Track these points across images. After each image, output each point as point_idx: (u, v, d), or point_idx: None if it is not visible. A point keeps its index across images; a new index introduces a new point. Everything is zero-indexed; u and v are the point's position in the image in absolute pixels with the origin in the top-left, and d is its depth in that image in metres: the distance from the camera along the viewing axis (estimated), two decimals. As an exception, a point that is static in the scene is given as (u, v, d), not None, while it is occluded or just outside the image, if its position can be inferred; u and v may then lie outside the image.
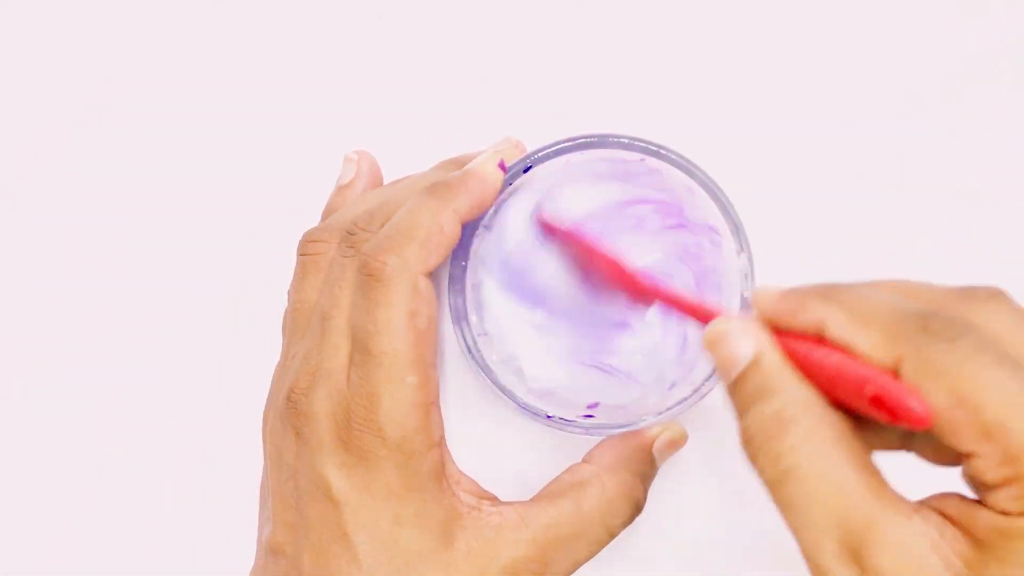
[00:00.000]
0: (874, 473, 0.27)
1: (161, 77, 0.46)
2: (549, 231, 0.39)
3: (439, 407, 0.37)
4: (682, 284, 0.39)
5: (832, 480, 0.26)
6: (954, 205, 0.44)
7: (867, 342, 0.26)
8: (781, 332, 0.28)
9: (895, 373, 0.26)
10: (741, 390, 0.28)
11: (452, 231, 0.37)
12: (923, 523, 0.26)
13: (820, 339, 0.28)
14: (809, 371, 0.28)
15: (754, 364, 0.28)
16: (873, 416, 0.26)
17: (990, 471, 0.25)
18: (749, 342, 0.28)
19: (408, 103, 0.45)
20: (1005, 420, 0.25)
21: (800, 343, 0.28)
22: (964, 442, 0.25)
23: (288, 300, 0.41)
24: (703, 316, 0.32)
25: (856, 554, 0.26)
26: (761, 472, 0.27)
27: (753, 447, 0.27)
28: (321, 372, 0.37)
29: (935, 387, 0.25)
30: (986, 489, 0.26)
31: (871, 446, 0.28)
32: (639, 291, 0.37)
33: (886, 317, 0.26)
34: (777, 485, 0.27)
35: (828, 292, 0.28)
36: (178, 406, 0.45)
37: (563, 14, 0.45)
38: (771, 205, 0.43)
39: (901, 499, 0.27)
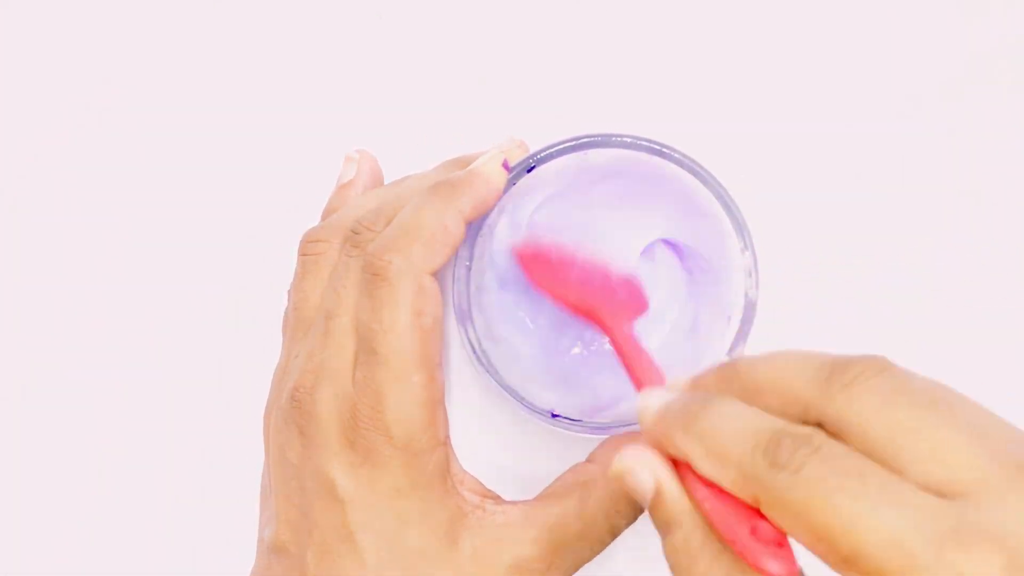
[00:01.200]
0: None
1: (161, 77, 0.46)
2: (521, 259, 0.39)
3: (444, 406, 0.37)
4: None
5: None
6: (954, 205, 0.44)
7: (727, 480, 0.27)
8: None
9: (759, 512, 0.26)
10: (654, 519, 0.29)
11: (457, 231, 0.37)
12: None
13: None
14: (695, 498, 0.28)
15: (656, 497, 0.29)
16: None
17: None
18: (648, 476, 0.29)
19: (409, 103, 0.45)
20: (858, 549, 0.24)
21: (692, 473, 0.28)
22: (835, 570, 0.25)
23: (289, 300, 0.41)
24: (638, 381, 0.33)
25: None
26: None
27: (673, 572, 0.28)
28: (326, 371, 0.36)
29: (793, 526, 0.25)
30: None
31: None
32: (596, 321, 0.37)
33: (739, 451, 0.27)
34: None
35: (687, 420, 0.28)
36: (178, 406, 0.45)
37: (565, 13, 0.45)
38: (774, 204, 0.43)
39: None
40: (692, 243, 0.40)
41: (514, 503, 0.37)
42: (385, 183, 0.44)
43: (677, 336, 0.40)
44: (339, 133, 0.45)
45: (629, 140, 0.39)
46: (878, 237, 0.44)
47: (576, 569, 0.37)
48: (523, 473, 0.43)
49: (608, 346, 0.39)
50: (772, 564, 0.26)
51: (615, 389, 0.40)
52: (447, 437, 0.37)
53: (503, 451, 0.43)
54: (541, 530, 0.36)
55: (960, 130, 0.44)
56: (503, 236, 0.39)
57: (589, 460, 0.39)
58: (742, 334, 0.39)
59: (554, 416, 0.39)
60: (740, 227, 0.39)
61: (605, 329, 0.36)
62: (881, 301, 0.44)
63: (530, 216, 0.39)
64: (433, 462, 0.36)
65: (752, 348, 0.38)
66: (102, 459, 0.45)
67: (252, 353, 0.44)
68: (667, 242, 0.40)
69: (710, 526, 0.28)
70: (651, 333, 0.39)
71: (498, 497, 0.38)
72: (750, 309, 0.39)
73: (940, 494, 0.25)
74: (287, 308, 0.41)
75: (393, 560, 0.35)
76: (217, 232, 0.45)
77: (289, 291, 0.41)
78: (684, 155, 0.39)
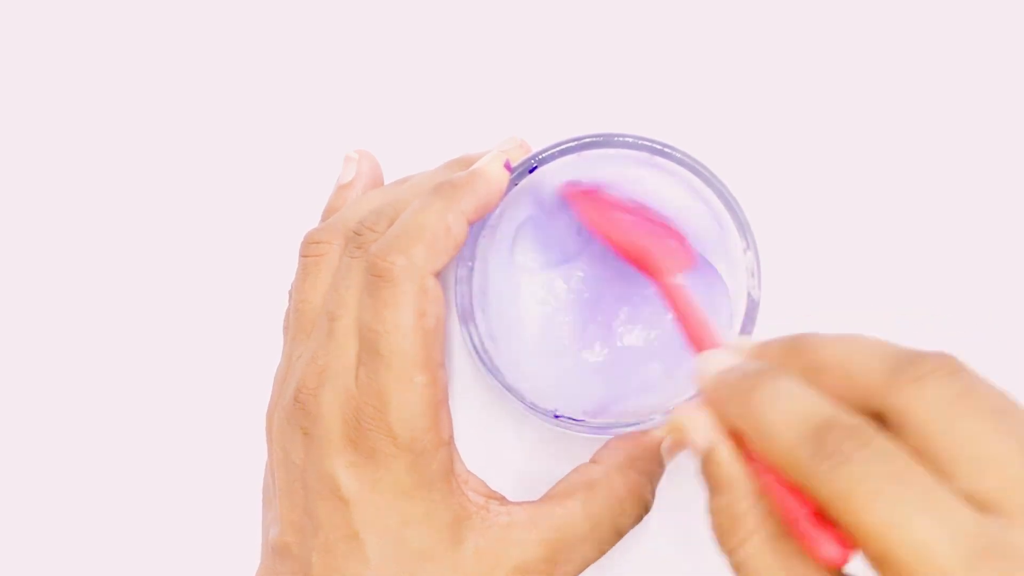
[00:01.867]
0: None
1: (161, 77, 0.46)
2: (572, 197, 0.38)
3: (448, 407, 0.37)
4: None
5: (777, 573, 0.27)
6: (957, 205, 0.44)
7: (775, 460, 0.27)
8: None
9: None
10: (704, 478, 0.29)
11: (459, 231, 0.37)
12: None
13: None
14: (754, 470, 0.28)
15: (708, 457, 0.29)
16: None
17: None
18: (703, 434, 0.29)
19: (409, 103, 0.45)
20: (887, 554, 0.24)
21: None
22: (873, 566, 0.25)
23: (290, 300, 0.41)
24: (693, 335, 0.33)
25: None
26: (726, 558, 0.28)
27: (715, 535, 0.28)
28: (329, 372, 0.36)
29: (835, 516, 0.25)
30: None
31: None
32: (652, 271, 0.36)
33: (787, 434, 0.26)
34: (736, 573, 0.28)
35: (742, 394, 0.28)
36: (178, 407, 0.45)
37: (567, 13, 0.45)
38: (776, 203, 0.43)
39: None
40: (694, 242, 0.40)
41: (518, 504, 0.37)
42: (385, 183, 0.44)
43: (677, 337, 0.40)
44: (339, 133, 0.45)
45: (631, 140, 0.39)
46: (881, 237, 0.44)
47: (581, 570, 0.37)
48: (526, 473, 0.43)
49: (619, 343, 0.39)
50: (828, 548, 0.25)
51: (617, 389, 0.40)
52: (451, 437, 0.37)
53: (506, 451, 0.43)
54: (546, 531, 0.36)
55: (963, 130, 0.44)
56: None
57: (593, 461, 0.39)
58: (745, 334, 0.39)
59: (557, 416, 0.39)
60: (743, 227, 0.39)
61: (656, 275, 0.35)
62: (883, 301, 0.44)
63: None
64: (437, 462, 0.36)
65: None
66: (103, 460, 0.45)
67: (252, 354, 0.44)
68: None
69: (765, 498, 0.27)
70: (650, 334, 0.40)
71: (502, 498, 0.38)
72: (753, 308, 0.39)
73: (983, 507, 0.24)
74: (288, 309, 0.41)
75: (397, 560, 0.35)
76: (217, 232, 0.45)
77: (290, 292, 0.41)
78: (686, 155, 0.39)
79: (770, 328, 0.39)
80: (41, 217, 0.46)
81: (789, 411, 0.27)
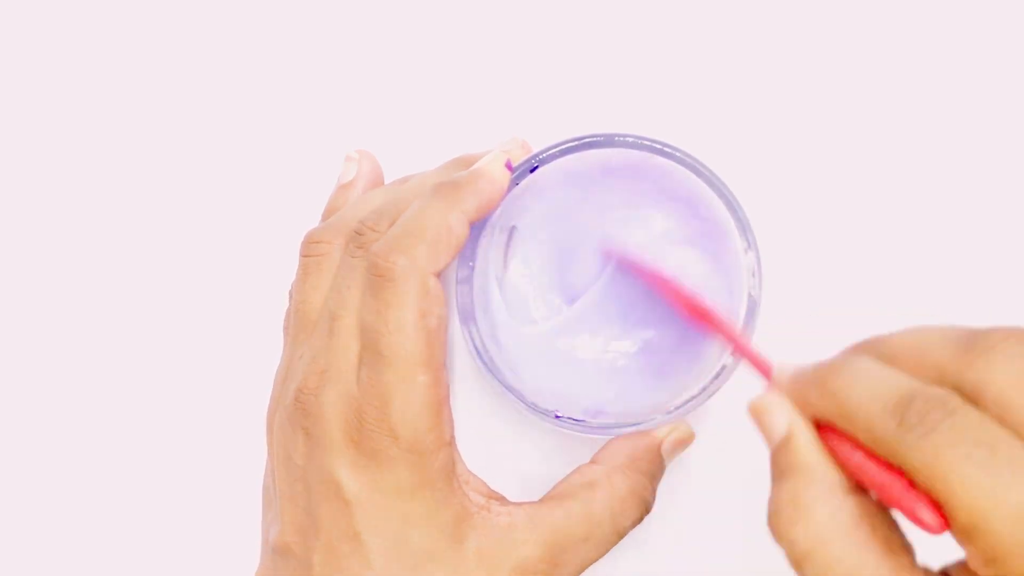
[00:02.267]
0: (899, 552, 0.26)
1: (161, 77, 0.46)
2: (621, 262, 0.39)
3: (449, 407, 0.37)
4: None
5: (848, 565, 0.26)
6: (958, 206, 0.44)
7: (866, 439, 0.26)
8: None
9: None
10: (775, 463, 0.28)
11: (461, 231, 0.37)
12: None
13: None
14: (839, 456, 0.28)
15: (785, 442, 0.28)
16: None
17: (979, 569, 0.25)
18: (783, 419, 0.28)
19: (409, 102, 0.45)
20: (979, 522, 0.24)
21: (830, 430, 0.28)
22: (954, 538, 0.25)
23: (290, 300, 0.41)
24: (758, 365, 0.33)
25: None
26: (784, 551, 0.27)
27: (774, 525, 0.28)
28: (330, 372, 0.36)
29: (926, 487, 0.25)
30: None
31: None
32: (701, 319, 0.37)
33: (870, 409, 0.26)
34: (797, 566, 0.27)
35: (821, 379, 0.28)
36: (178, 407, 0.45)
37: (568, 13, 0.45)
38: (777, 203, 0.43)
39: None
40: (694, 241, 0.40)
41: (519, 504, 0.37)
42: (385, 183, 0.44)
43: (680, 336, 0.40)
44: (339, 133, 0.45)
45: (632, 140, 0.39)
46: (881, 237, 0.44)
47: (582, 570, 0.37)
48: (527, 473, 0.43)
49: (621, 344, 0.40)
50: (927, 514, 0.25)
51: (618, 389, 0.40)
52: (452, 437, 0.37)
53: (507, 452, 0.43)
54: (546, 531, 0.37)
55: (963, 130, 0.44)
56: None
57: (593, 461, 0.39)
58: (746, 334, 0.39)
59: (558, 417, 0.39)
60: (744, 227, 0.39)
61: (723, 329, 0.35)
62: (884, 301, 0.44)
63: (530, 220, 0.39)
64: (439, 462, 0.36)
65: (756, 348, 0.38)
66: (103, 460, 0.45)
67: (252, 354, 0.44)
68: (668, 237, 0.40)
69: (856, 480, 0.27)
70: (652, 333, 0.40)
71: (503, 498, 0.38)
72: (754, 308, 0.39)
73: None
74: (288, 309, 0.41)
75: (399, 560, 0.35)
76: (217, 232, 0.45)
77: (290, 292, 0.41)
78: (687, 154, 0.39)
79: (771, 328, 0.39)
80: (41, 217, 0.46)
81: (872, 387, 0.26)
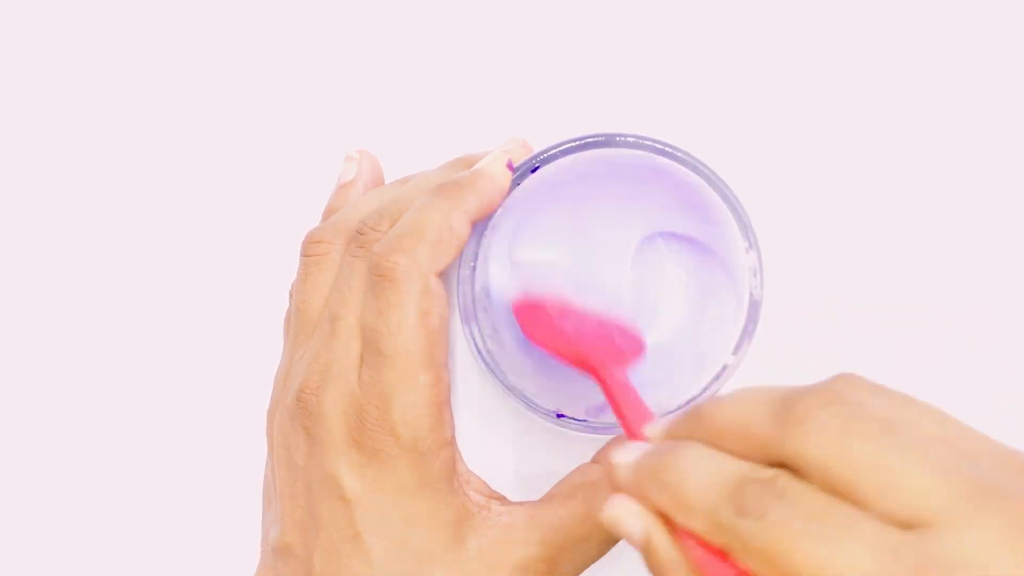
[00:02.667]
0: None
1: (161, 77, 0.46)
2: (518, 311, 0.39)
3: (450, 407, 0.37)
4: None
5: None
6: (954, 205, 0.44)
7: (700, 529, 0.27)
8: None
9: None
10: (648, 566, 0.29)
11: (462, 231, 0.37)
12: None
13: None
14: (686, 551, 0.28)
15: (645, 546, 0.29)
16: None
17: None
18: (638, 526, 0.29)
19: (409, 102, 0.45)
20: None
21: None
22: None
23: (291, 300, 0.41)
24: (628, 428, 0.33)
25: None
26: None
27: None
28: (332, 372, 0.36)
29: (766, 572, 0.25)
30: None
31: None
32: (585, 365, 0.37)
33: (706, 500, 0.27)
34: None
35: (656, 473, 0.28)
36: (178, 407, 0.45)
37: (568, 12, 0.45)
38: (778, 203, 0.43)
39: None
40: (696, 241, 0.40)
41: (520, 504, 0.37)
42: (385, 182, 0.44)
43: (680, 337, 0.40)
44: (339, 133, 0.45)
45: (633, 140, 0.39)
46: (882, 236, 0.44)
47: (582, 570, 0.37)
48: (528, 473, 0.43)
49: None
50: None
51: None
52: (453, 437, 0.37)
53: (508, 451, 0.43)
54: (547, 531, 0.37)
55: (963, 130, 0.45)
56: (500, 271, 0.40)
57: (594, 461, 0.39)
58: (747, 334, 0.39)
59: (559, 416, 0.39)
60: (745, 226, 0.39)
61: (597, 378, 0.36)
62: (885, 300, 0.44)
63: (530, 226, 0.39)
64: (439, 462, 0.36)
65: (758, 348, 0.39)
66: (103, 460, 0.45)
67: (252, 354, 0.44)
68: (669, 237, 0.40)
69: (701, 571, 0.27)
70: (654, 334, 0.40)
71: (504, 498, 0.38)
72: (755, 309, 0.39)
73: (905, 525, 0.24)
74: (289, 309, 0.41)
75: (399, 560, 0.36)
76: (218, 232, 0.45)
77: (291, 291, 0.41)
78: (688, 154, 0.39)
79: (771, 328, 0.39)
80: (42, 218, 0.45)
81: (703, 478, 0.27)
